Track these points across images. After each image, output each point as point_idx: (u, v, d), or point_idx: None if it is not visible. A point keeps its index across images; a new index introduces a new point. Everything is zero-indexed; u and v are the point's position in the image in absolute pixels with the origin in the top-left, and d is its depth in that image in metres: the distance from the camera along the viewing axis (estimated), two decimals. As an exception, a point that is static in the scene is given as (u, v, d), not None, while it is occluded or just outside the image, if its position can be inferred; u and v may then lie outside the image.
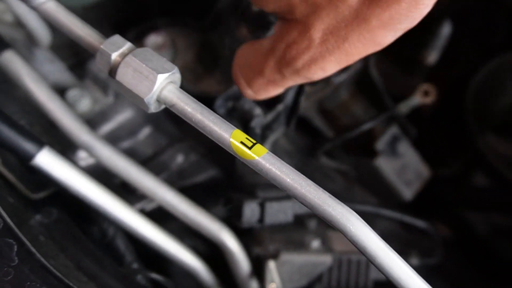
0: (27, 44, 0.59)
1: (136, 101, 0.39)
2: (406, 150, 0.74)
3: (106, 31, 0.67)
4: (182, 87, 0.40)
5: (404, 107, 0.70)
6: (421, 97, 0.70)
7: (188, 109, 0.39)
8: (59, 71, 0.61)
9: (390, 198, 0.75)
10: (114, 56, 0.39)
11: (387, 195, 0.75)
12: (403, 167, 0.73)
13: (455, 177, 0.92)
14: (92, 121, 0.62)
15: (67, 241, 0.44)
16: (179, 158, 0.66)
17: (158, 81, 0.38)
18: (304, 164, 0.77)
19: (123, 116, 0.63)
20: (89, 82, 0.62)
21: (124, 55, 0.39)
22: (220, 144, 0.38)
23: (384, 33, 0.39)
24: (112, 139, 0.63)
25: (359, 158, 0.74)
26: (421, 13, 0.38)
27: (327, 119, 0.77)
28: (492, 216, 0.89)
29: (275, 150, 0.76)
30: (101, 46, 0.39)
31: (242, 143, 0.38)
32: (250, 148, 0.38)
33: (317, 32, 0.40)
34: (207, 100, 0.56)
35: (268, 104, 0.61)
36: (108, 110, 0.62)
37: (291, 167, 0.37)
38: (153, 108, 0.40)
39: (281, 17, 0.44)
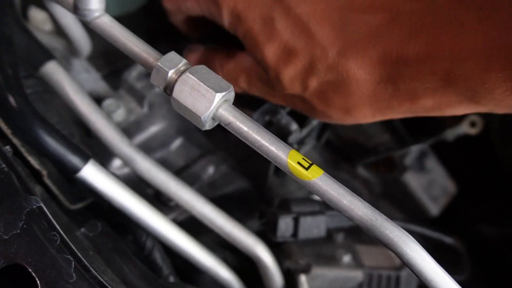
0: (64, 54, 0.59)
1: (192, 118, 0.39)
2: (434, 165, 0.74)
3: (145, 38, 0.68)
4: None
5: (451, 135, 0.71)
6: (467, 127, 0.71)
7: (244, 128, 0.39)
8: (94, 81, 0.61)
9: (416, 213, 0.75)
10: (171, 73, 0.39)
11: (413, 210, 0.75)
12: (430, 182, 0.74)
13: (478, 192, 0.92)
14: (126, 131, 0.61)
15: (113, 255, 0.44)
16: (210, 170, 0.66)
17: (216, 100, 0.38)
18: (332, 177, 0.77)
19: (156, 127, 0.63)
20: (123, 92, 0.62)
21: (180, 73, 0.39)
22: (276, 164, 0.39)
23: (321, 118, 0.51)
24: (145, 150, 0.63)
25: (386, 172, 0.74)
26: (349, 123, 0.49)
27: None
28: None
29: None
30: (158, 63, 0.39)
31: (299, 163, 0.38)
32: (307, 169, 0.38)
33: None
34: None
35: (303, 119, 0.61)
36: (142, 121, 0.62)
37: (347, 189, 0.38)
38: (208, 125, 0.40)
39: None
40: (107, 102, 0.60)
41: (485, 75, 0.37)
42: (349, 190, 0.38)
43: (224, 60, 0.56)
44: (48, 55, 0.52)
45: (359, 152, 0.78)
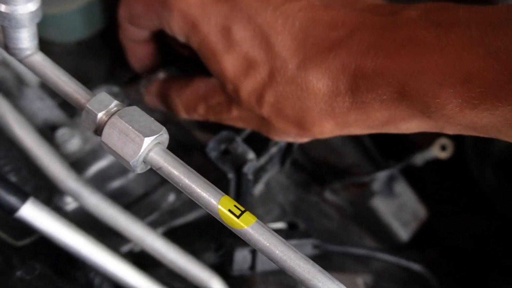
0: (16, 83, 0.57)
1: (122, 161, 0.38)
2: (403, 190, 0.73)
3: (102, 66, 0.67)
4: (177, 134, 0.40)
5: (419, 159, 0.70)
6: (438, 150, 0.69)
7: (175, 173, 0.37)
8: (49, 109, 0.60)
9: (387, 238, 0.74)
10: (100, 115, 0.38)
11: (383, 235, 0.73)
12: (399, 207, 0.72)
13: (453, 210, 0.90)
14: (82, 160, 0.60)
15: (49, 300, 0.43)
16: (171, 197, 0.65)
17: (145, 145, 0.37)
18: (300, 200, 0.76)
19: (114, 155, 0.62)
20: (79, 120, 0.61)
21: (110, 115, 0.38)
22: (207, 211, 0.37)
23: (274, 137, 0.51)
24: (103, 178, 0.62)
25: (355, 197, 0.72)
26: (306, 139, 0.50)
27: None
28: (490, 250, 0.88)
29: (271, 185, 0.74)
30: (87, 105, 0.38)
31: (230, 211, 0.36)
32: (238, 216, 0.36)
33: (235, 109, 0.50)
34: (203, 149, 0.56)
35: (262, 146, 0.60)
36: (98, 149, 0.61)
37: (280, 238, 0.36)
38: (139, 169, 0.38)
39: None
40: (61, 132, 0.58)
41: (438, 90, 0.37)
42: (282, 240, 0.36)
43: (181, 89, 0.55)
44: (-10, 88, 0.51)
45: (330, 174, 0.77)
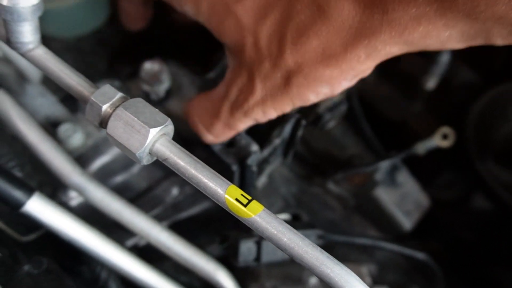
0: (17, 79, 0.57)
1: (128, 153, 0.38)
2: (405, 179, 0.73)
3: (102, 61, 0.67)
4: (179, 128, 0.40)
5: (421, 148, 0.69)
6: (439, 140, 0.69)
7: (181, 163, 0.37)
8: (50, 105, 0.60)
9: (390, 228, 0.74)
10: (105, 107, 0.38)
11: (386, 225, 0.73)
12: (402, 197, 0.72)
13: (455, 200, 0.91)
14: (85, 156, 0.60)
15: (56, 294, 0.43)
16: (174, 191, 0.65)
17: (150, 135, 0.37)
18: (303, 192, 0.76)
19: (116, 150, 0.62)
20: (81, 116, 0.61)
21: (115, 107, 0.38)
22: (214, 200, 0.37)
23: (308, 94, 0.44)
24: (106, 173, 0.62)
25: (358, 187, 0.73)
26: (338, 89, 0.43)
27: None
28: (490, 237, 0.88)
29: (274, 178, 0.75)
30: (91, 97, 0.38)
31: (237, 200, 0.36)
32: (245, 205, 0.36)
33: (258, 82, 0.44)
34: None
35: (265, 138, 0.60)
36: (101, 144, 0.61)
37: (288, 226, 0.36)
38: (145, 161, 0.38)
39: (232, 55, 0.47)
40: (64, 127, 0.58)
41: None
42: (290, 227, 0.36)
43: (198, 106, 0.53)
44: (-7, 84, 0.51)
45: (332, 166, 0.77)
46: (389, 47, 0.39)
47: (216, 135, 0.52)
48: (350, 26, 0.39)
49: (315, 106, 0.59)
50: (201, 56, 0.60)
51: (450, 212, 0.90)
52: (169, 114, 0.61)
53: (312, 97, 0.44)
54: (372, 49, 0.40)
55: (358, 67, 0.41)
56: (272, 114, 0.47)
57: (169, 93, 0.61)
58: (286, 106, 0.45)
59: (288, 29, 0.41)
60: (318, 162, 0.78)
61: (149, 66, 0.60)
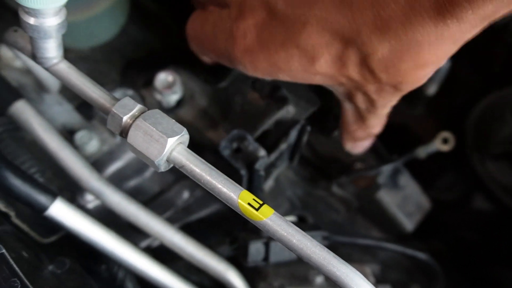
0: (36, 89, 0.60)
1: (147, 161, 0.41)
2: (407, 182, 0.75)
3: (115, 71, 0.69)
4: (190, 134, 0.43)
5: (422, 152, 0.72)
6: (439, 144, 0.71)
7: (197, 170, 0.40)
8: (67, 113, 0.63)
9: (392, 229, 0.76)
10: (125, 118, 0.41)
11: (389, 226, 0.76)
12: (404, 199, 0.75)
13: (456, 201, 0.93)
14: (100, 161, 0.63)
15: (79, 292, 0.46)
16: (185, 194, 0.68)
17: (168, 144, 0.39)
18: (308, 194, 0.79)
19: (130, 155, 0.65)
20: (96, 123, 0.63)
21: (134, 117, 0.41)
22: (228, 205, 0.40)
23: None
24: (120, 178, 0.65)
25: (362, 190, 0.75)
26: None
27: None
28: (491, 237, 0.91)
29: (280, 181, 0.77)
30: (113, 109, 0.41)
31: (249, 204, 0.39)
32: (257, 209, 0.39)
33: (373, 95, 0.50)
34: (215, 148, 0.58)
35: (272, 144, 0.62)
36: (115, 150, 0.64)
37: (297, 228, 0.39)
38: (162, 168, 0.41)
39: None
40: (80, 134, 0.61)
41: None
42: (299, 229, 0.39)
43: None
44: (16, 95, 0.54)
45: (337, 169, 0.80)
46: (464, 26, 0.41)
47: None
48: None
49: (322, 114, 0.61)
50: (212, 65, 0.62)
51: (451, 213, 0.92)
52: (180, 121, 0.64)
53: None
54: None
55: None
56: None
57: (180, 102, 0.64)
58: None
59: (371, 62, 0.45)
60: (323, 165, 0.80)
61: (163, 77, 0.63)
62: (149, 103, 0.65)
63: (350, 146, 0.63)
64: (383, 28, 0.42)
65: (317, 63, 0.46)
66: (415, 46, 0.42)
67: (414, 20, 0.40)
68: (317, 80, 0.49)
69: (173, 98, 0.63)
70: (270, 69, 0.49)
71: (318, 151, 0.81)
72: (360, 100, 0.52)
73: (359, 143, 0.63)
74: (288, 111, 0.63)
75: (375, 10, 0.41)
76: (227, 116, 0.65)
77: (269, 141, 0.62)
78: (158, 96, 0.63)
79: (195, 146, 0.67)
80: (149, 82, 0.64)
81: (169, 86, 0.62)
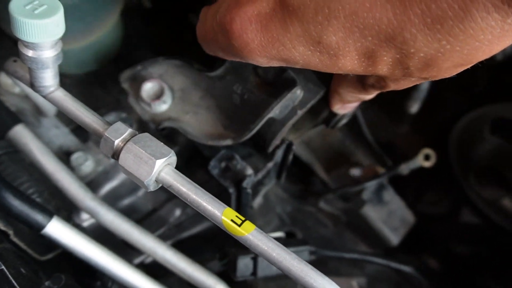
0: (34, 113, 0.63)
1: (137, 181, 0.44)
2: (391, 197, 0.78)
3: (110, 94, 0.72)
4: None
5: (405, 169, 0.75)
6: (422, 160, 0.75)
7: (184, 190, 0.43)
8: (63, 135, 0.66)
9: (379, 243, 0.79)
10: (117, 142, 0.44)
11: (375, 240, 0.79)
12: (389, 214, 0.78)
13: (443, 215, 0.96)
14: (95, 181, 0.66)
15: (74, 307, 0.48)
16: (177, 212, 0.71)
17: (156, 166, 0.42)
18: (297, 210, 0.81)
19: (124, 175, 0.67)
20: (92, 144, 0.66)
21: (125, 141, 0.44)
22: (212, 221, 0.43)
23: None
24: (114, 197, 0.68)
25: (348, 205, 0.78)
26: None
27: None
28: (479, 250, 0.93)
29: (269, 198, 0.80)
30: (105, 133, 0.44)
31: (232, 220, 0.42)
32: (239, 225, 0.42)
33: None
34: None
35: (259, 162, 0.65)
36: (110, 170, 0.67)
37: (276, 242, 0.42)
38: (152, 187, 0.44)
39: None
40: (76, 156, 0.64)
41: None
42: (278, 244, 0.42)
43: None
44: (15, 119, 0.57)
45: (324, 185, 0.83)
46: None
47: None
48: None
49: (326, 106, 0.60)
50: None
51: (439, 226, 0.95)
52: (173, 118, 0.61)
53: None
54: None
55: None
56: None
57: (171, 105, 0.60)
58: None
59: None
60: (310, 182, 0.83)
61: (149, 87, 0.59)
62: (141, 114, 0.61)
63: (338, 107, 0.58)
64: (433, 26, 0.35)
65: (340, 61, 0.40)
66: (471, 45, 0.35)
67: (474, 15, 0.34)
68: (336, 71, 0.43)
69: (163, 107, 0.59)
70: (282, 63, 0.44)
71: (304, 167, 0.83)
72: (371, 80, 0.47)
73: (348, 105, 0.58)
74: (297, 94, 0.56)
75: (423, 4, 0.35)
76: (224, 110, 0.59)
77: (256, 161, 0.65)
78: (147, 108, 0.59)
79: (187, 163, 0.70)
80: (134, 80, 0.60)
81: (157, 96, 0.59)
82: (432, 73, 0.39)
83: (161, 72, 0.61)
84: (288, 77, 0.55)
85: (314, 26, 0.39)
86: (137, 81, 0.61)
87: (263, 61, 0.44)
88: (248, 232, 0.42)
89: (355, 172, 0.76)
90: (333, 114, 0.62)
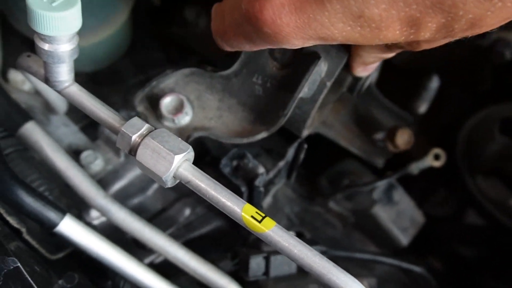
0: (44, 110, 0.63)
1: (154, 177, 0.43)
2: (401, 197, 0.78)
3: (118, 92, 0.72)
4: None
5: (415, 168, 0.75)
6: (431, 160, 0.74)
7: (202, 185, 0.42)
8: (73, 134, 0.65)
9: (388, 243, 0.79)
10: (134, 137, 0.43)
11: (384, 241, 0.78)
12: (398, 214, 0.77)
13: (448, 216, 0.96)
14: (104, 180, 0.65)
15: (88, 306, 0.47)
16: (187, 212, 0.70)
17: (175, 161, 0.42)
18: (306, 211, 0.81)
19: (133, 173, 0.67)
20: (101, 143, 0.66)
21: (143, 136, 0.43)
22: (232, 218, 0.42)
23: None
24: (123, 196, 0.67)
25: (357, 205, 0.78)
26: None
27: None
28: (484, 252, 0.93)
29: (278, 198, 0.79)
30: (122, 129, 0.43)
31: (252, 217, 0.41)
32: (260, 221, 0.41)
33: None
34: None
35: (270, 161, 0.65)
36: (119, 169, 0.66)
37: (297, 239, 0.41)
38: (169, 184, 0.43)
39: None
40: (85, 154, 0.63)
41: None
42: (300, 240, 0.41)
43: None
44: (26, 116, 0.56)
45: (332, 185, 0.82)
46: None
47: None
48: None
49: (348, 72, 0.58)
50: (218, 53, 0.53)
51: (444, 228, 0.94)
52: (198, 128, 0.59)
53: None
54: None
55: None
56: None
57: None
58: None
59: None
60: (319, 182, 0.83)
61: (168, 101, 0.56)
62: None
63: (360, 70, 0.56)
64: None
65: (382, 33, 0.39)
66: None
67: None
68: (376, 43, 0.42)
69: (186, 119, 0.57)
70: (319, 41, 0.42)
71: (314, 167, 0.83)
72: (402, 43, 0.45)
73: (370, 67, 0.56)
74: (321, 66, 0.54)
75: None
76: (248, 104, 0.57)
77: (267, 159, 0.64)
78: (170, 124, 0.56)
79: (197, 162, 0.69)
80: (153, 95, 0.57)
81: (178, 109, 0.56)
82: (475, 31, 0.38)
83: (172, 86, 0.57)
84: (309, 52, 0.53)
85: (355, 1, 0.37)
86: (152, 101, 0.57)
87: (299, 43, 0.43)
88: (268, 228, 0.41)
89: (379, 136, 0.74)
90: (356, 79, 0.60)
